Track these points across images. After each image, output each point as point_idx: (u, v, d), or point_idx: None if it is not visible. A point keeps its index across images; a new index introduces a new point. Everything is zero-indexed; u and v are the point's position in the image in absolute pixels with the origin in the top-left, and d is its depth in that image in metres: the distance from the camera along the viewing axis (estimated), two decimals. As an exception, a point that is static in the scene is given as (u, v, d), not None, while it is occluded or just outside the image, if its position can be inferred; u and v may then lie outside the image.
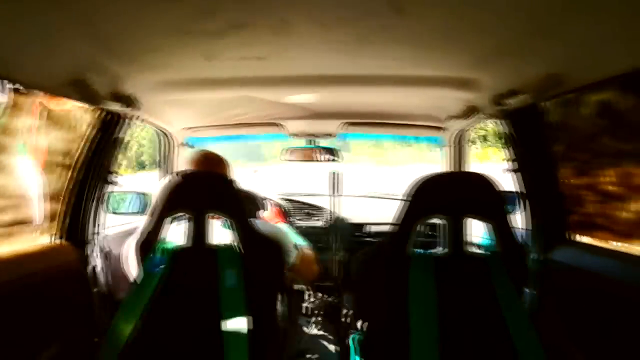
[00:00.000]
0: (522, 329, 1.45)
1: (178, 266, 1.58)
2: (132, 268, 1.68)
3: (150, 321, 1.57)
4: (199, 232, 1.60)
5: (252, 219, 1.66)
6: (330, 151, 3.01)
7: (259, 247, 1.63)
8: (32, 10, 1.09)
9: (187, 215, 1.60)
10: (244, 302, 1.53)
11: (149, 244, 1.59)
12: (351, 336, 1.72)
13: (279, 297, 1.81)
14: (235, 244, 1.60)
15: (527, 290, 1.64)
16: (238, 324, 1.53)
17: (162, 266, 1.57)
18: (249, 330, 1.52)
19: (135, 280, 1.59)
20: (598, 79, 1.30)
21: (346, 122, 2.81)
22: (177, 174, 1.62)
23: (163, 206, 1.60)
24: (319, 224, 3.18)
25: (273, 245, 1.67)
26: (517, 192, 1.82)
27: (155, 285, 1.54)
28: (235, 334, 1.52)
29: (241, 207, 1.62)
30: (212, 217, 1.62)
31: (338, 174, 2.77)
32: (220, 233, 1.64)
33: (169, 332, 1.60)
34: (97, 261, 1.87)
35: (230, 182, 1.63)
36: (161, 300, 1.54)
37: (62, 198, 1.76)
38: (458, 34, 1.36)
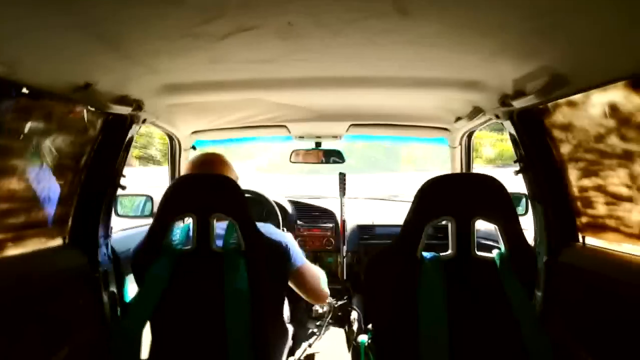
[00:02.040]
0: (532, 330, 1.44)
1: (183, 269, 1.58)
2: (138, 271, 1.68)
3: (157, 324, 1.58)
4: (203, 234, 1.60)
5: (257, 222, 1.65)
6: (337, 153, 3.01)
7: (264, 250, 1.63)
8: (40, 14, 1.10)
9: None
10: (249, 305, 1.53)
11: (154, 246, 1.60)
12: (360, 339, 1.71)
13: (286, 299, 1.80)
14: (240, 246, 1.60)
15: (535, 291, 1.63)
16: (242, 326, 1.53)
17: (168, 269, 1.57)
18: (254, 333, 1.52)
19: (141, 283, 1.60)
20: (605, 80, 1.29)
21: (353, 124, 2.80)
22: (180, 177, 1.62)
23: (167, 209, 1.61)
24: (327, 226, 3.18)
25: (278, 248, 1.67)
26: (525, 194, 1.81)
27: (161, 288, 1.55)
28: (239, 337, 1.52)
29: (245, 208, 1.62)
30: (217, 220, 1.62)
31: (345, 176, 2.76)
32: None
33: (175, 335, 1.60)
34: (105, 264, 1.88)
35: (234, 184, 1.62)
36: (167, 303, 1.55)
37: (70, 201, 1.77)
38: (464, 35, 1.36)
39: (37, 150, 1.54)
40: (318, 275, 1.95)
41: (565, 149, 1.64)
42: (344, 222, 2.90)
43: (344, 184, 2.67)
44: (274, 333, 1.73)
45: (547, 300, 1.65)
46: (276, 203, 3.11)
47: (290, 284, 1.86)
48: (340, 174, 2.82)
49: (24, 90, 1.32)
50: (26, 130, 1.46)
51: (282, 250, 1.69)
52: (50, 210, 1.68)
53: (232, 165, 1.91)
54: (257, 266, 1.59)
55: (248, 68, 1.69)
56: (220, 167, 1.86)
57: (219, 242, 1.65)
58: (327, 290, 2.01)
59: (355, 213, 3.19)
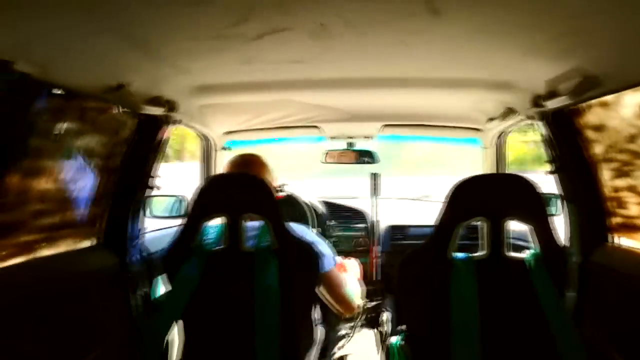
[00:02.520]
0: (565, 332, 1.44)
1: (214, 269, 1.60)
2: (169, 271, 1.70)
3: (187, 324, 1.61)
4: (234, 234, 1.62)
5: (287, 222, 1.67)
6: (369, 154, 3.02)
7: (295, 250, 1.64)
8: (72, 16, 1.12)
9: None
10: (279, 303, 1.55)
11: (185, 247, 1.63)
12: (392, 340, 1.72)
13: (316, 300, 1.81)
14: (271, 245, 1.61)
15: (567, 292, 1.62)
16: (271, 326, 1.53)
17: (198, 269, 1.60)
18: (283, 333, 1.53)
19: (172, 283, 1.63)
20: (638, 80, 1.28)
21: (384, 125, 2.81)
22: (211, 177, 1.64)
23: (198, 209, 1.63)
24: (359, 226, 3.18)
25: (309, 250, 1.67)
26: (558, 194, 1.80)
27: (191, 288, 1.57)
28: (267, 337, 1.53)
29: (277, 208, 1.63)
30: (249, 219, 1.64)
31: (378, 176, 2.76)
32: None
33: (205, 335, 1.63)
34: (137, 264, 1.91)
35: (265, 184, 1.63)
36: (197, 302, 1.58)
37: (103, 202, 1.79)
38: (496, 35, 1.36)
39: (71, 151, 1.57)
40: (346, 284, 1.88)
41: (597, 149, 1.62)
42: (376, 223, 2.90)
43: (377, 185, 2.67)
44: (303, 334, 1.74)
45: (579, 301, 1.63)
46: (308, 204, 3.14)
47: (318, 291, 1.80)
48: (373, 174, 2.82)
49: (58, 91, 1.35)
50: (60, 131, 1.49)
51: (313, 252, 1.67)
52: (83, 210, 1.70)
53: (270, 166, 1.93)
54: (288, 266, 1.60)
55: (280, 69, 1.71)
56: (258, 168, 1.88)
57: (251, 243, 1.67)
58: (357, 301, 1.93)
59: (387, 213, 3.19)
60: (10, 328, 1.26)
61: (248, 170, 1.83)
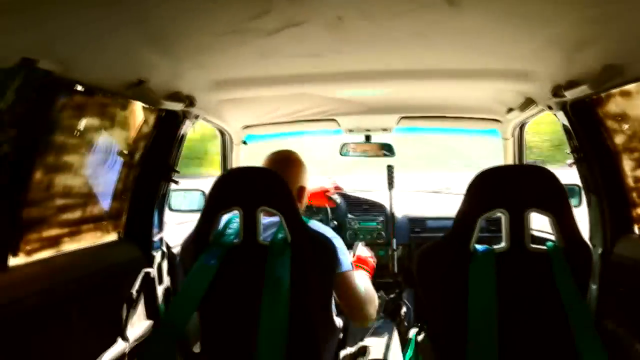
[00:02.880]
0: (584, 326, 1.42)
1: (230, 261, 1.61)
2: (186, 264, 1.71)
3: (205, 314, 1.62)
4: (249, 227, 1.63)
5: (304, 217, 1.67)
6: (387, 146, 3.01)
7: (310, 243, 1.64)
8: (94, 14, 1.13)
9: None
10: (287, 295, 1.54)
11: (202, 239, 1.64)
12: (412, 332, 1.72)
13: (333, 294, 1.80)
14: (287, 238, 1.62)
15: (590, 284, 1.60)
16: (278, 318, 1.52)
17: (215, 261, 1.60)
18: (293, 324, 1.53)
19: (190, 275, 1.63)
20: None
21: (402, 117, 2.79)
22: (228, 170, 1.65)
23: (214, 202, 1.64)
24: (377, 219, 3.18)
25: (325, 245, 1.67)
26: (579, 185, 1.77)
27: (208, 280, 1.58)
28: (273, 329, 1.52)
29: (292, 202, 1.64)
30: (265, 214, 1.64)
31: (392, 169, 2.75)
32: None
33: (220, 325, 1.65)
34: (160, 258, 1.94)
35: (280, 178, 1.63)
36: (214, 294, 1.59)
37: (125, 196, 1.83)
38: (514, 25, 1.34)
39: (92, 146, 1.59)
40: (361, 289, 1.78)
41: (619, 139, 1.59)
42: (392, 215, 2.90)
43: (392, 177, 2.66)
44: (321, 325, 1.74)
45: (602, 293, 1.61)
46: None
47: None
48: (389, 166, 2.81)
49: (79, 87, 1.37)
50: (81, 126, 1.51)
51: (330, 249, 1.67)
52: (106, 205, 1.73)
53: (304, 164, 1.94)
54: (303, 258, 1.60)
55: (297, 62, 1.72)
56: (293, 166, 1.90)
57: (268, 236, 1.67)
58: (371, 312, 1.81)
59: (406, 206, 3.17)
60: (37, 322, 1.28)
61: (284, 166, 1.84)
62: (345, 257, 1.77)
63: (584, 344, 1.40)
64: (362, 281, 1.82)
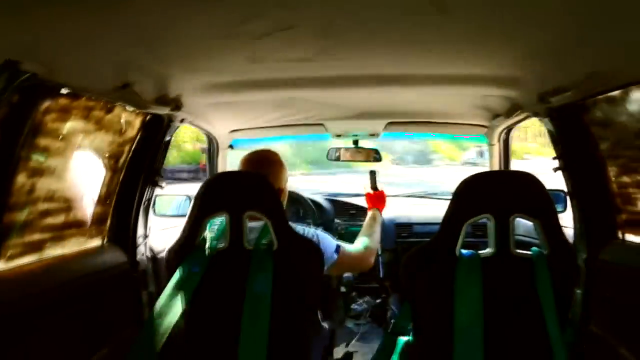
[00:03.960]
0: (555, 334, 1.43)
1: (216, 266, 1.59)
2: (172, 269, 1.68)
3: (188, 320, 1.60)
4: (236, 232, 1.60)
5: (290, 221, 1.65)
6: (374, 151, 3.02)
7: (297, 248, 1.63)
8: (79, 15, 1.12)
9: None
10: (269, 303, 1.52)
11: (188, 244, 1.62)
12: (399, 337, 1.71)
13: (320, 298, 1.79)
14: (272, 245, 1.60)
15: (575, 289, 1.61)
16: (259, 325, 1.50)
17: (200, 266, 1.58)
18: (273, 332, 1.50)
19: (175, 280, 1.60)
20: None
21: (390, 122, 2.80)
22: (214, 175, 1.63)
23: (201, 207, 1.62)
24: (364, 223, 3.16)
25: (311, 246, 1.65)
26: (564, 191, 1.79)
27: (193, 285, 1.56)
28: (254, 335, 1.50)
29: (279, 207, 1.62)
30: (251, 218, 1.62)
31: (375, 173, 2.75)
32: None
33: (200, 332, 1.62)
34: (145, 263, 1.92)
35: (267, 182, 1.62)
36: (197, 300, 1.56)
37: (110, 201, 1.80)
38: (502, 31, 1.35)
39: (77, 150, 1.57)
40: (355, 257, 1.95)
41: (605, 145, 1.61)
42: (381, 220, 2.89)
43: (375, 182, 2.66)
44: (307, 331, 1.72)
45: (588, 298, 1.63)
46: (313, 201, 3.14)
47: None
48: (371, 171, 2.81)
49: (63, 90, 1.35)
50: (66, 130, 1.48)
51: (316, 249, 1.66)
52: (90, 210, 1.70)
53: (284, 165, 1.92)
54: (287, 265, 1.58)
55: (286, 67, 1.71)
56: (272, 166, 1.87)
57: (252, 241, 1.65)
58: (370, 261, 2.00)
59: (392, 211, 3.18)
60: (20, 328, 1.26)
61: (261, 167, 1.81)
62: (330, 248, 1.80)
63: (555, 351, 1.41)
64: (351, 254, 1.93)
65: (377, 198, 2.26)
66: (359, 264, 1.99)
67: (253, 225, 1.66)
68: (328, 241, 1.82)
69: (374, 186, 2.36)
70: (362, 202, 3.26)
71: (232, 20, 1.25)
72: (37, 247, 1.45)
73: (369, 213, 2.20)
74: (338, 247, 1.83)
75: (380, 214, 2.21)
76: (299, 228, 1.78)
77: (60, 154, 1.49)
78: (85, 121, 1.56)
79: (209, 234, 1.66)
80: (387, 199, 2.39)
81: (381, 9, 1.20)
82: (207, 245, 1.62)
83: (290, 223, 1.66)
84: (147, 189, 1.90)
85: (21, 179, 1.32)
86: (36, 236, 1.44)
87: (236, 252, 1.60)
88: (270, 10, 1.20)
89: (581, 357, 1.60)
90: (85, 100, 1.51)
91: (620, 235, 1.63)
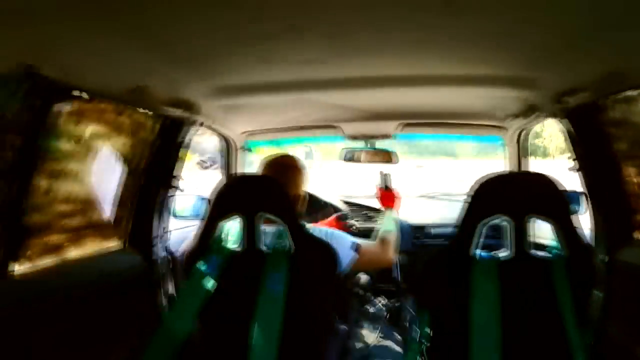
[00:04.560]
0: (575, 337, 1.41)
1: (230, 269, 1.60)
2: (188, 271, 1.69)
3: (204, 322, 1.61)
4: (250, 235, 1.62)
5: (305, 223, 1.66)
6: (388, 153, 3.00)
7: (311, 250, 1.63)
8: (96, 21, 1.14)
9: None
10: (283, 306, 1.52)
11: (203, 246, 1.63)
12: (414, 341, 1.71)
13: (335, 300, 1.80)
14: (288, 248, 1.60)
15: (594, 290, 1.59)
16: (271, 329, 1.51)
17: (216, 268, 1.59)
18: (286, 335, 1.50)
19: (190, 282, 1.62)
20: None
21: (404, 123, 2.78)
22: (228, 177, 1.64)
23: (214, 210, 1.63)
24: (379, 226, 3.15)
25: (326, 248, 1.66)
26: (581, 192, 1.77)
27: (208, 287, 1.57)
28: (265, 339, 1.50)
29: (293, 210, 1.63)
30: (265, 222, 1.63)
31: (388, 176, 2.73)
32: None
33: (214, 335, 1.63)
34: (162, 265, 1.94)
35: (279, 185, 1.63)
36: (212, 302, 1.57)
37: (127, 203, 1.82)
38: (516, 31, 1.34)
39: (94, 153, 1.59)
40: (375, 252, 1.95)
41: (622, 145, 1.59)
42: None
43: (387, 182, 2.63)
44: (321, 333, 1.73)
45: (607, 300, 1.60)
46: (330, 204, 3.13)
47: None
48: (383, 173, 2.78)
49: (82, 94, 1.37)
50: (83, 133, 1.51)
51: (330, 251, 1.66)
52: (109, 212, 1.73)
53: (304, 170, 1.92)
54: (302, 268, 1.59)
55: (297, 68, 1.72)
56: (292, 171, 1.88)
57: (268, 244, 1.66)
58: (390, 255, 1.99)
59: (406, 213, 3.16)
60: (40, 328, 1.28)
61: (281, 173, 1.82)
62: (345, 250, 1.79)
63: (575, 351, 1.40)
64: (370, 251, 1.93)
65: (390, 197, 2.26)
66: (380, 258, 1.96)
67: (268, 229, 1.67)
68: (344, 240, 1.82)
69: (386, 186, 2.35)
70: (377, 204, 3.26)
71: (244, 23, 1.26)
72: (56, 249, 1.47)
73: (385, 212, 2.19)
74: (355, 244, 1.83)
75: (395, 213, 2.20)
76: (315, 229, 1.78)
77: (78, 157, 1.52)
78: (102, 124, 1.59)
79: (225, 236, 1.67)
80: (401, 201, 2.38)
81: (392, 9, 1.20)
82: (222, 247, 1.63)
83: (306, 225, 1.67)
84: (164, 191, 1.92)
85: (40, 181, 1.34)
86: (55, 238, 1.46)
87: (251, 254, 1.61)
88: (281, 13, 1.20)
89: None
90: (102, 104, 1.53)
91: (638, 236, 1.60)
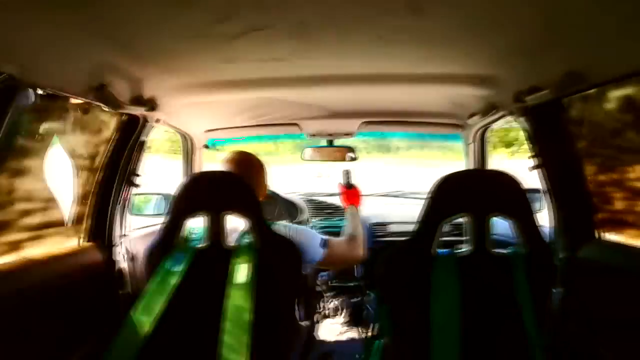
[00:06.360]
0: (533, 331, 1.43)
1: (195, 265, 1.58)
2: (151, 268, 1.67)
3: (166, 319, 1.58)
4: (215, 232, 1.60)
5: (269, 220, 1.65)
6: (350, 150, 2.99)
7: (276, 247, 1.62)
8: (52, 17, 1.12)
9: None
10: (251, 301, 1.51)
11: (167, 244, 1.61)
12: (374, 337, 1.70)
13: (299, 297, 1.79)
14: (254, 244, 1.59)
15: (553, 288, 1.61)
16: (240, 322, 1.49)
17: (181, 265, 1.57)
18: (255, 331, 1.49)
19: (154, 279, 1.59)
20: (621, 74, 1.28)
21: (365, 121, 2.79)
22: (192, 175, 1.62)
23: (179, 207, 1.62)
24: (339, 223, 3.15)
25: (291, 246, 1.65)
26: (542, 190, 1.79)
27: (173, 284, 1.55)
28: (235, 333, 1.48)
29: (258, 206, 1.62)
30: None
31: (349, 173, 2.73)
32: None
33: (180, 332, 1.60)
34: (123, 262, 1.92)
35: (244, 182, 1.62)
36: (177, 299, 1.55)
37: (88, 201, 1.80)
38: (477, 31, 1.35)
39: (53, 150, 1.56)
40: (345, 247, 1.95)
41: (581, 144, 1.62)
42: None
43: (349, 180, 2.63)
44: (285, 330, 1.73)
45: (566, 297, 1.63)
46: (289, 201, 3.11)
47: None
48: (345, 170, 2.78)
49: (39, 91, 1.34)
50: (42, 130, 1.49)
51: (295, 248, 1.66)
52: (68, 209, 1.70)
53: (265, 167, 1.93)
54: (267, 264, 1.58)
55: (260, 67, 1.71)
56: (253, 168, 1.87)
57: (234, 240, 1.65)
58: (360, 250, 1.99)
59: (367, 210, 3.16)
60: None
61: (244, 169, 1.82)
62: (314, 246, 1.79)
63: (532, 350, 1.42)
64: (339, 248, 1.92)
65: (353, 195, 2.25)
66: (349, 255, 1.96)
67: (234, 227, 1.67)
68: (313, 236, 1.82)
69: (348, 184, 2.34)
70: (337, 201, 3.25)
71: (206, 21, 1.25)
72: (16, 246, 1.45)
73: (348, 210, 2.18)
74: (323, 240, 1.83)
75: (357, 211, 2.19)
76: (282, 226, 1.78)
77: (38, 155, 1.50)
78: (61, 121, 1.57)
79: (189, 233, 1.66)
80: (363, 198, 2.37)
81: (353, 8, 1.20)
82: (186, 244, 1.62)
83: (272, 222, 1.68)
84: (123, 189, 1.91)
85: (0, 179, 1.33)
86: (12, 236, 1.45)
87: (216, 251, 1.60)
88: (244, 11, 1.19)
89: (559, 356, 1.61)
90: (62, 101, 1.52)
91: (597, 234, 1.63)
